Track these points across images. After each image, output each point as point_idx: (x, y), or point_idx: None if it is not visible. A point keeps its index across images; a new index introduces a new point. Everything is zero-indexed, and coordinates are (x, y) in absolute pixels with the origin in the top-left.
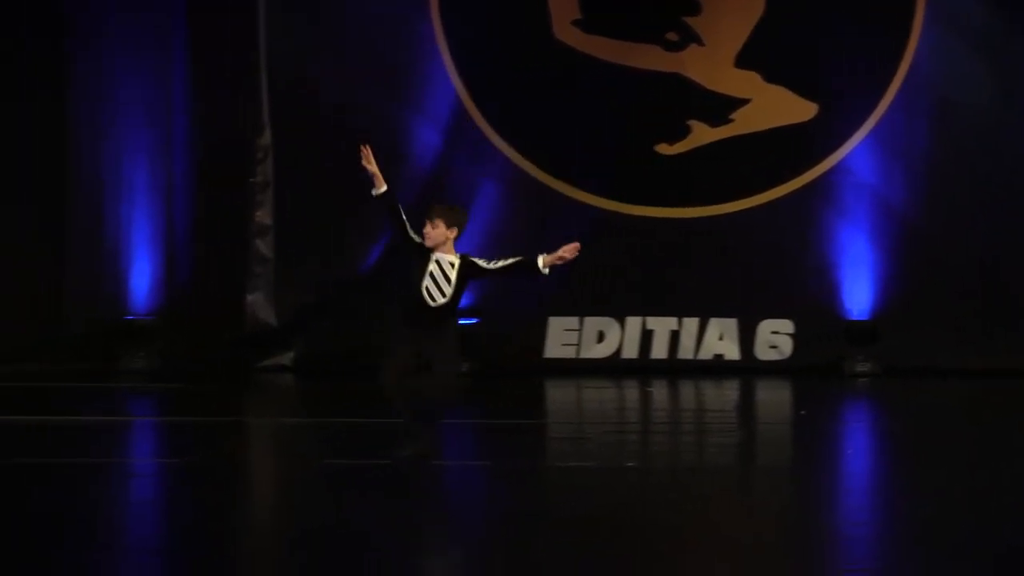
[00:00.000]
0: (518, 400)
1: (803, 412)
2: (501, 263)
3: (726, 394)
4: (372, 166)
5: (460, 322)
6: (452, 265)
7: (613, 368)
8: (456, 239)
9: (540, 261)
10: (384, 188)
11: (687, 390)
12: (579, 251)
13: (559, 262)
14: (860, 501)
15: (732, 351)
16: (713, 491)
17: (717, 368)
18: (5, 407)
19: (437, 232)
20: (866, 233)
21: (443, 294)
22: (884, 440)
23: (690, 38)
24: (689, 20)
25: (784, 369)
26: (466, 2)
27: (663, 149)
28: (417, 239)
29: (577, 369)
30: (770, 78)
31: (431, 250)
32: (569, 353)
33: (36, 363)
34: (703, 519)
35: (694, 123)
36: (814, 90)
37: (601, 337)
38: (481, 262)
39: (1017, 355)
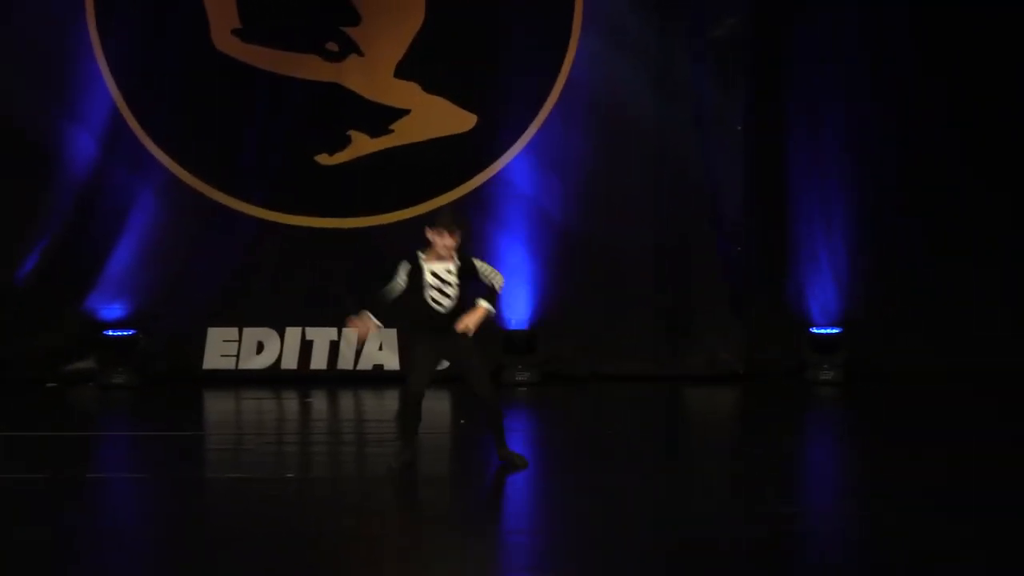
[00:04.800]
0: (176, 411)
1: (463, 422)
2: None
3: (386, 404)
4: (365, 333)
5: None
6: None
7: (273, 379)
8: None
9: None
10: (380, 321)
11: (347, 400)
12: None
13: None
14: (522, 508)
15: (392, 361)
16: (374, 501)
17: (377, 378)
18: None
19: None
20: (524, 243)
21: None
22: (547, 447)
23: (349, 48)
24: (348, 30)
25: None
26: (122, 8)
27: (323, 159)
28: (403, 279)
29: (236, 380)
30: (430, 88)
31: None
32: (228, 364)
33: None
34: (364, 529)
35: (354, 133)
36: (474, 101)
37: (260, 348)
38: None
39: (688, 360)
